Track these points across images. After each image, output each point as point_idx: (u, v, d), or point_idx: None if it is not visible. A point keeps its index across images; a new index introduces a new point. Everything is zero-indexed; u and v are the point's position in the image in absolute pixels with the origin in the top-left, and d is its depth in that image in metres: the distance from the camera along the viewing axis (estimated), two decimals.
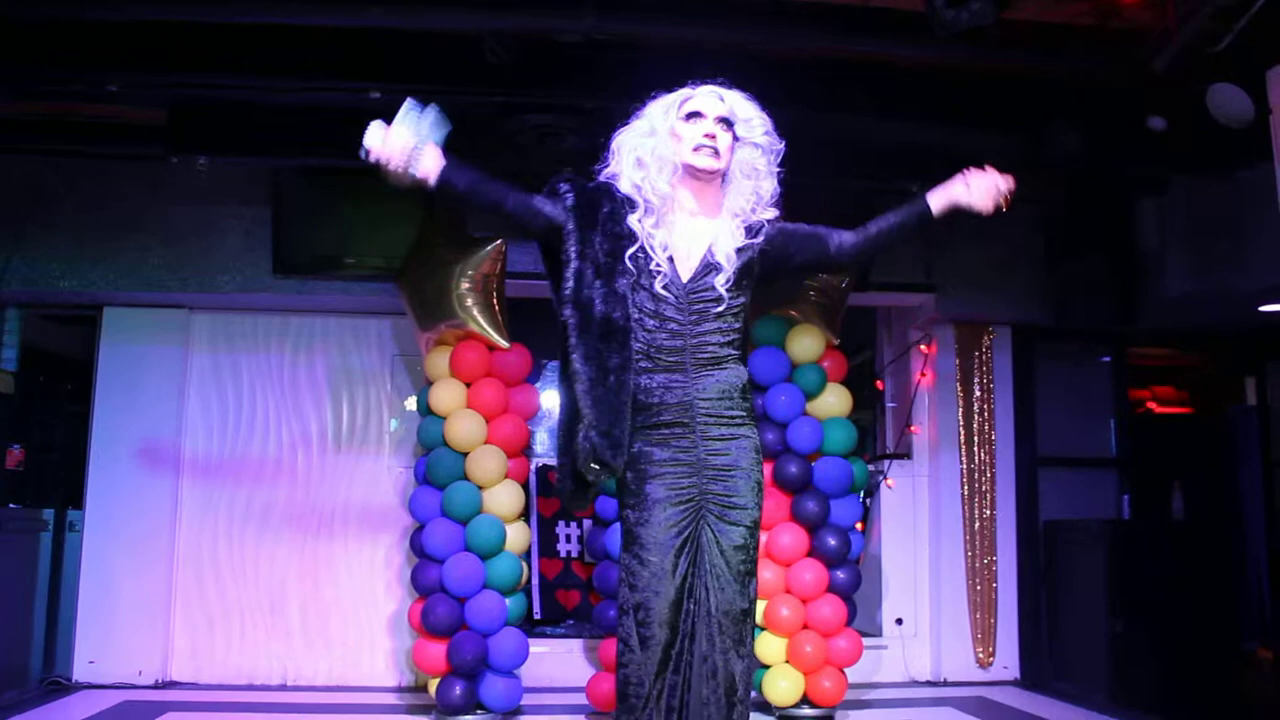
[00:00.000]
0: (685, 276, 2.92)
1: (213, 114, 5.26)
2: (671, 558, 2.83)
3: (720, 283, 2.91)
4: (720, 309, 2.92)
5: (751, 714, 2.97)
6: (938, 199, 3.00)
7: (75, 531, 6.05)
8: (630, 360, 2.83)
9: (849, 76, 4.80)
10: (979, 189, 2.97)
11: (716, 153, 2.93)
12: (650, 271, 2.89)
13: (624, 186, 2.97)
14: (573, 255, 2.87)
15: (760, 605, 5.02)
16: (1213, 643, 5.89)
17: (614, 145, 3.03)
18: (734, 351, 2.97)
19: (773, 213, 3.02)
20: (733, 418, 2.93)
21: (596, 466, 2.81)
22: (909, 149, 5.54)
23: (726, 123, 2.96)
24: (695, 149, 2.92)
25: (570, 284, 2.86)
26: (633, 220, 2.92)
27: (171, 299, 6.14)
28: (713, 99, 2.97)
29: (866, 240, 3.05)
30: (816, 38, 4.37)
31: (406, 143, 2.72)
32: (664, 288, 2.89)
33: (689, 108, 2.96)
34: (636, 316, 2.88)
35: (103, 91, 4.71)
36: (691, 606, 2.85)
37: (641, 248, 2.90)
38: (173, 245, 6.02)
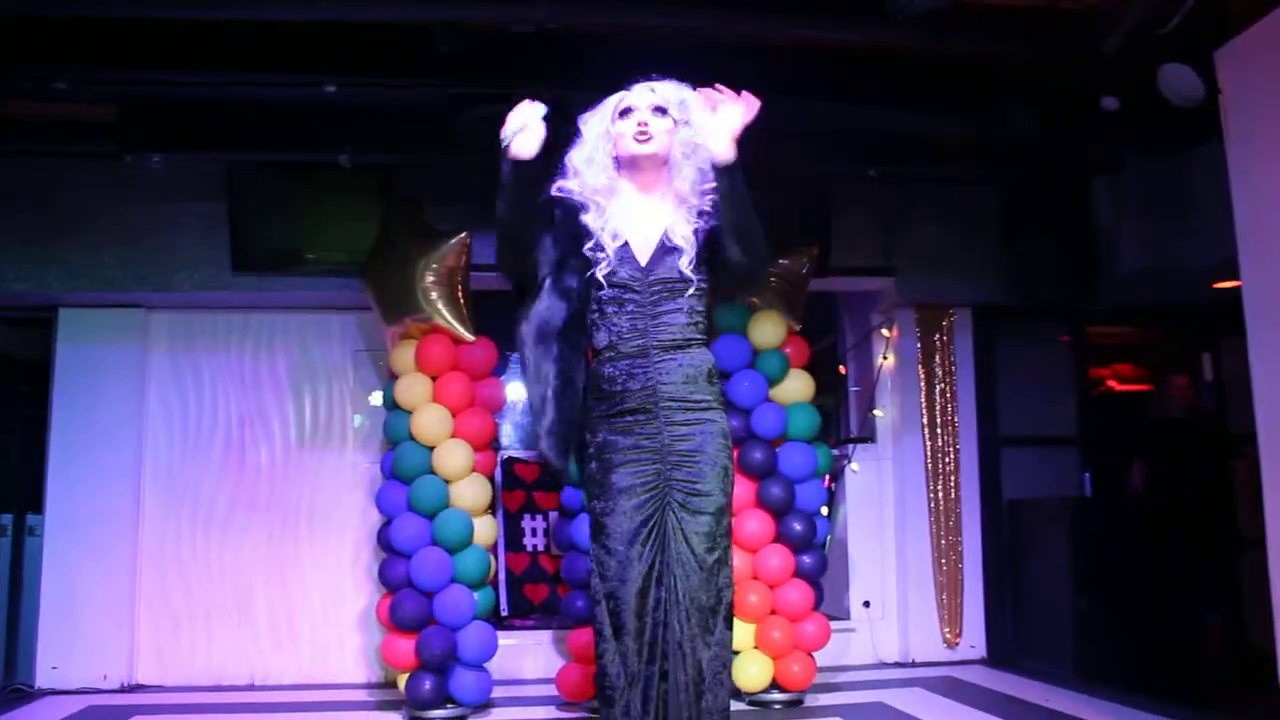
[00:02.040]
0: (644, 260, 2.94)
1: (165, 110, 5.21)
2: (638, 546, 2.84)
3: (685, 264, 2.95)
4: (684, 290, 2.96)
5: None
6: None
7: (35, 536, 5.96)
8: (573, 363, 2.92)
9: (802, 62, 4.80)
10: (715, 125, 2.90)
11: (650, 137, 2.98)
12: (603, 261, 2.92)
13: (575, 191, 3.05)
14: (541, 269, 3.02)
15: None
16: (1173, 616, 5.97)
17: (566, 160, 3.09)
18: (698, 335, 2.99)
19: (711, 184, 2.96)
20: (698, 402, 2.95)
21: (548, 465, 2.95)
22: (864, 134, 5.57)
23: (661, 110, 3.01)
24: (631, 138, 2.99)
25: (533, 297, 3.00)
26: (586, 218, 2.99)
27: (128, 298, 6.06)
28: (643, 92, 3.04)
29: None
30: (767, 23, 4.38)
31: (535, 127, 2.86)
32: (622, 275, 2.91)
33: (621, 106, 3.04)
34: (596, 309, 2.92)
35: (51, 89, 4.64)
36: (662, 594, 2.86)
37: (595, 243, 2.95)
38: (128, 244, 5.93)
